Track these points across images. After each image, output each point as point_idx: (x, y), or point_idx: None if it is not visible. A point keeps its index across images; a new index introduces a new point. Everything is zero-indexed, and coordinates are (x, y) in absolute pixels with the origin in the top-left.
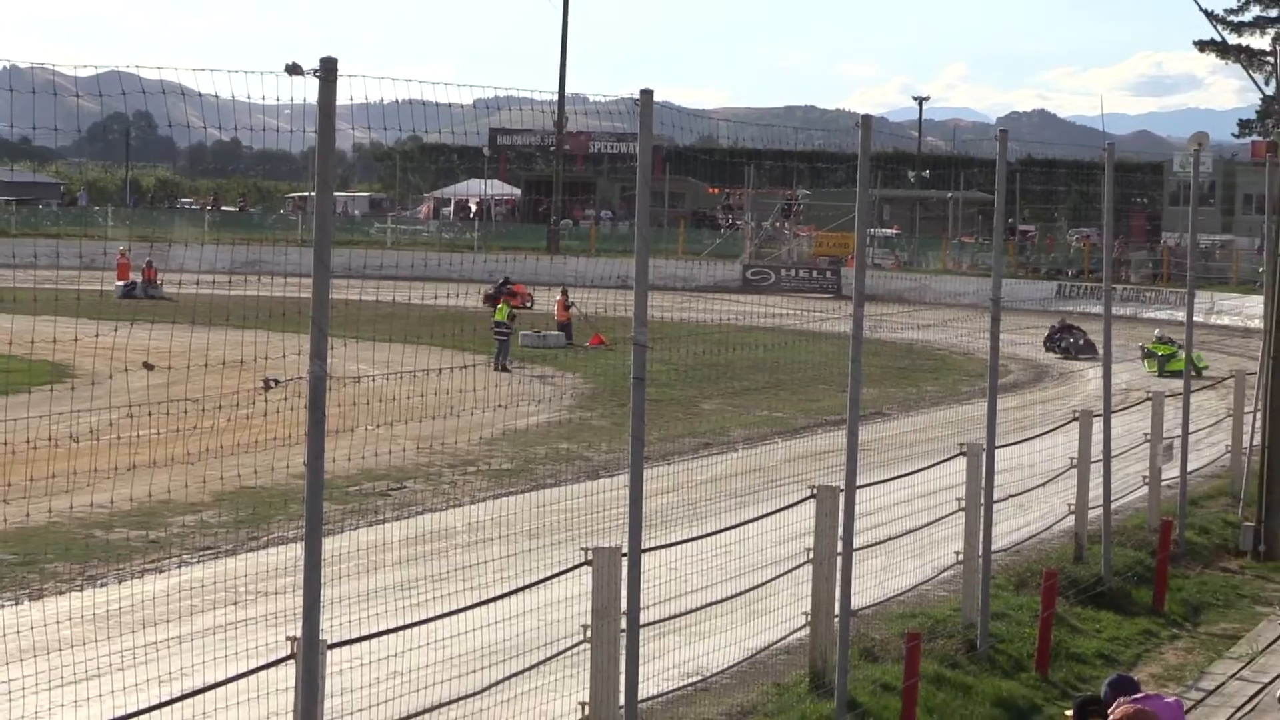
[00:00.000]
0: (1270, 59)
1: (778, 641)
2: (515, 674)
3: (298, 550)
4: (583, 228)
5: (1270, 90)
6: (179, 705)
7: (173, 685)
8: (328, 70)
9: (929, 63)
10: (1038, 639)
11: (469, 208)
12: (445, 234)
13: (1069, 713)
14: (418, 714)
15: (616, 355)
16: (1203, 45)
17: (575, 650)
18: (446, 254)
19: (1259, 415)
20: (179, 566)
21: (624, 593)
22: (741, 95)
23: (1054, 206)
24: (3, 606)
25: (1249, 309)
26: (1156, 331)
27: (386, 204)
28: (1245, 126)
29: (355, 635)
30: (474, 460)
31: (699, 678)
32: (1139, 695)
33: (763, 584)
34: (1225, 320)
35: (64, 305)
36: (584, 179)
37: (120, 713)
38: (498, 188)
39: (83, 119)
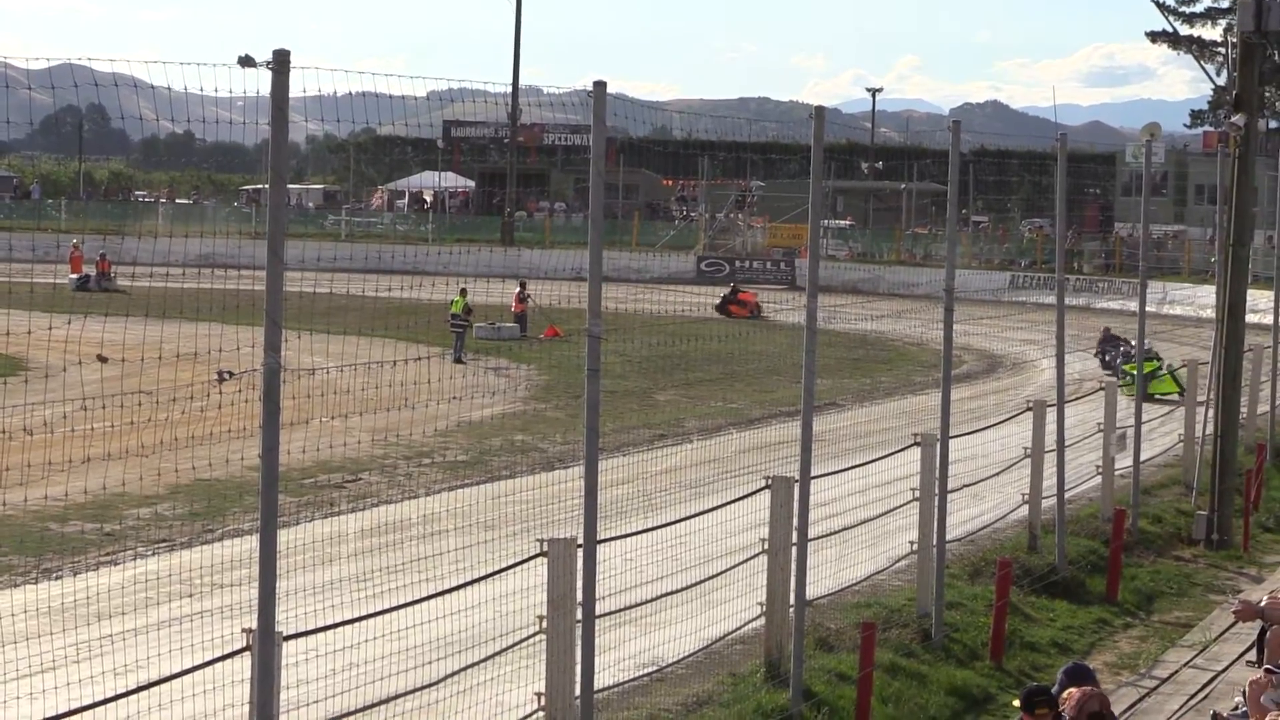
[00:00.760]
0: (1222, 50)
1: (733, 632)
2: (471, 665)
3: (253, 542)
4: (537, 220)
5: (1222, 81)
6: (135, 697)
7: (129, 677)
8: (280, 62)
9: (881, 55)
10: (992, 628)
11: (423, 200)
12: (400, 226)
13: (1016, 703)
14: (374, 705)
15: (571, 347)
16: (1155, 36)
17: (531, 641)
18: (401, 246)
19: (1211, 405)
20: (134, 559)
21: (579, 584)
22: (695, 87)
23: (1007, 197)
24: None
25: (1201, 299)
26: (1124, 341)
27: (340, 196)
28: (1197, 117)
29: (311, 627)
30: (429, 452)
31: (655, 668)
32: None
33: (718, 574)
34: (1178, 310)
35: (17, 298)
36: (538, 171)
37: (76, 705)
38: (452, 180)
39: (35, 111)
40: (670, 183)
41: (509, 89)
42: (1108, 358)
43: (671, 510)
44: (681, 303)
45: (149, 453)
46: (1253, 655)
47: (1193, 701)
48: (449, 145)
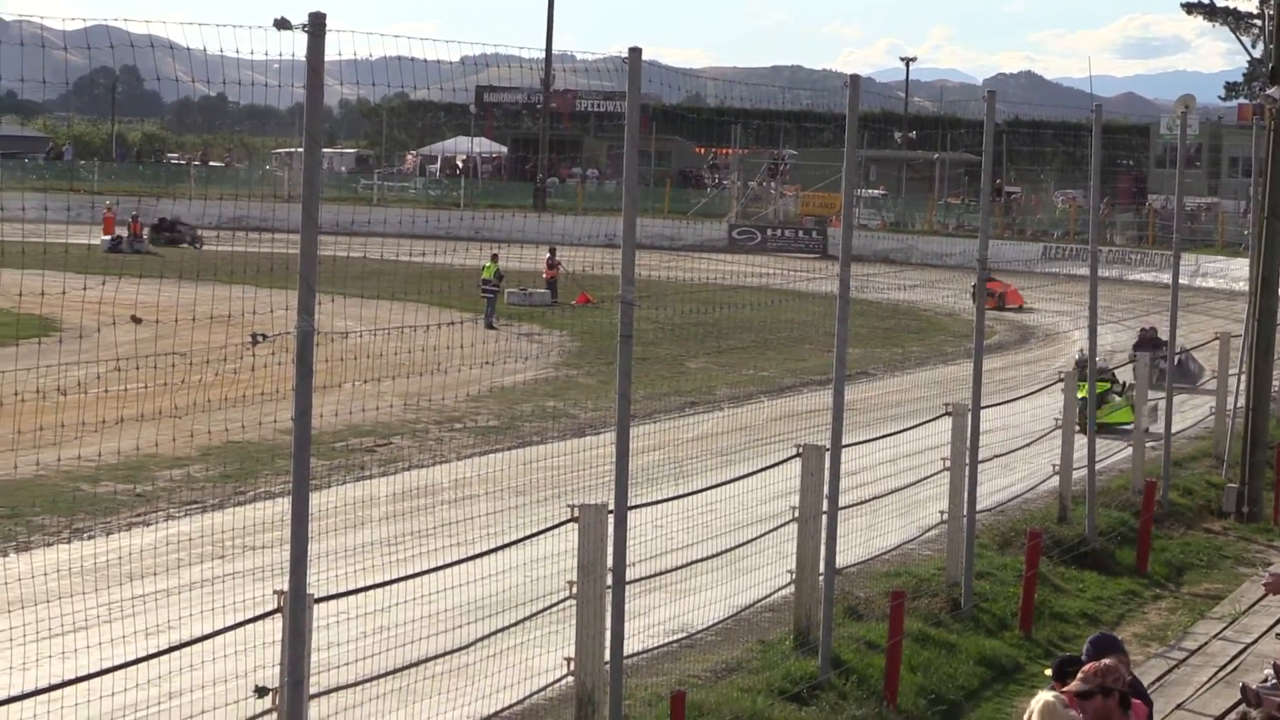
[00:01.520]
0: (1258, 21)
1: (763, 599)
2: (501, 630)
3: (283, 505)
4: (569, 186)
5: (1257, 53)
6: (166, 657)
7: (160, 638)
8: (316, 25)
9: (916, 24)
10: (1021, 598)
11: (455, 165)
12: (432, 191)
13: (1048, 672)
14: (404, 668)
15: (602, 313)
16: (1190, 7)
17: (561, 606)
18: (433, 211)
19: (1243, 377)
20: (165, 520)
21: (610, 549)
22: (728, 55)
23: (1040, 168)
24: None
25: (1234, 271)
26: (1079, 349)
27: (372, 161)
28: (1232, 89)
29: (341, 590)
30: (460, 417)
31: (684, 634)
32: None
33: (748, 542)
34: (1210, 283)
35: (52, 259)
36: (571, 137)
37: (108, 664)
38: (484, 145)
39: (69, 73)
40: (703, 150)
41: (542, 55)
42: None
43: (702, 478)
44: (713, 270)
45: (181, 414)
46: None
47: (1221, 674)
48: (481, 111)
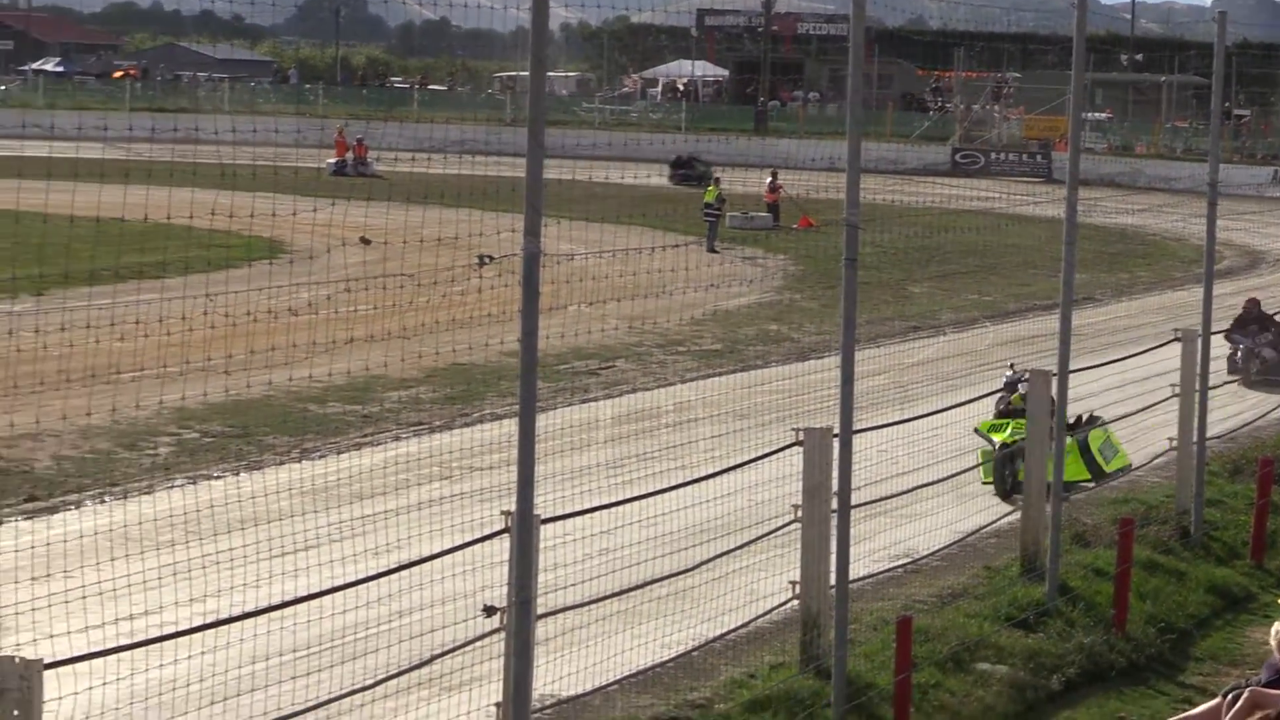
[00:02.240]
0: None
1: (988, 525)
2: (725, 553)
3: (508, 427)
4: (790, 109)
5: None
6: (394, 576)
7: (387, 557)
8: None
9: None
10: (1253, 527)
11: (677, 88)
12: (653, 115)
13: None
14: (628, 590)
15: (824, 237)
16: None
17: (785, 530)
18: (656, 134)
19: None
20: (392, 441)
21: (835, 474)
22: None
23: (1271, 91)
24: (222, 477)
25: None
26: (1010, 369)
27: (594, 84)
28: None
29: (566, 511)
30: (682, 340)
31: (909, 559)
32: None
33: (973, 468)
34: None
35: (281, 182)
36: (792, 60)
37: (335, 583)
38: (705, 68)
39: None
40: (925, 73)
41: None
42: (1239, 351)
43: (926, 403)
44: (936, 195)
45: (407, 336)
46: None
47: None
48: (702, 33)
